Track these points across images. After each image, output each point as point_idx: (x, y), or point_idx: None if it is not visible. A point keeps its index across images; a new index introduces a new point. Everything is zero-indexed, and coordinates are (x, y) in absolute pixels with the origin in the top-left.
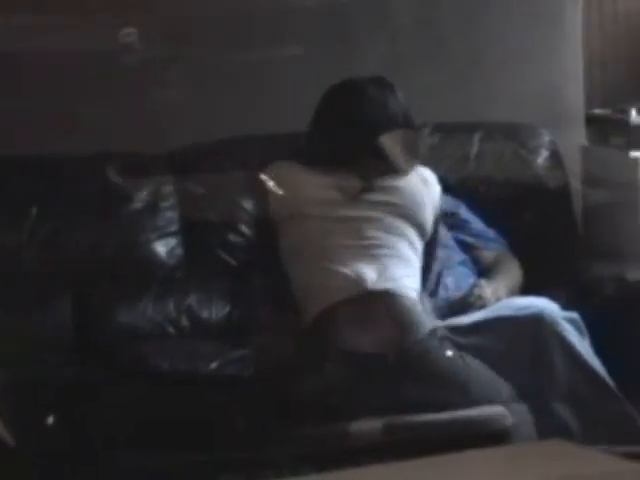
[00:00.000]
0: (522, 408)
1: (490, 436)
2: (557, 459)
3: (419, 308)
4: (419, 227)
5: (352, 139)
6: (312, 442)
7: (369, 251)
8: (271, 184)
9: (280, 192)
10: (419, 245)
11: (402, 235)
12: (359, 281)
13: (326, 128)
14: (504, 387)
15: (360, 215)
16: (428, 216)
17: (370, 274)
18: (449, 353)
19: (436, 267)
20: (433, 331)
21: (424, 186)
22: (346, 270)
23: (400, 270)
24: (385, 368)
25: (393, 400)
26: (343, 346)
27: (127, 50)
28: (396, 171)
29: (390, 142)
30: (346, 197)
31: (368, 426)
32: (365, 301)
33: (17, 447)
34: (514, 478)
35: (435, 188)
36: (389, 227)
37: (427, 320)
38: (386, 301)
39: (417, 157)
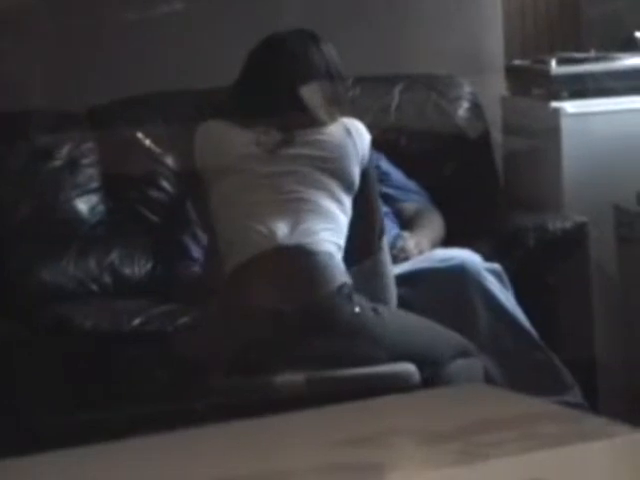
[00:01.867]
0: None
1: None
2: (477, 402)
3: (331, 262)
4: (344, 180)
5: (271, 92)
6: (232, 395)
7: (285, 205)
8: (198, 142)
9: (205, 150)
10: (345, 198)
11: (324, 189)
12: (271, 236)
13: (247, 83)
14: (444, 340)
15: (280, 170)
16: (353, 168)
17: (283, 229)
18: (357, 309)
19: (377, 216)
20: (340, 286)
21: (349, 137)
22: (260, 226)
23: (318, 224)
24: (293, 323)
25: (304, 355)
26: (254, 301)
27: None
28: (317, 123)
29: (310, 93)
30: (266, 151)
31: (281, 380)
32: (275, 256)
33: None
34: (434, 420)
35: (362, 139)
36: (310, 181)
37: (338, 275)
38: (295, 256)
39: (339, 108)
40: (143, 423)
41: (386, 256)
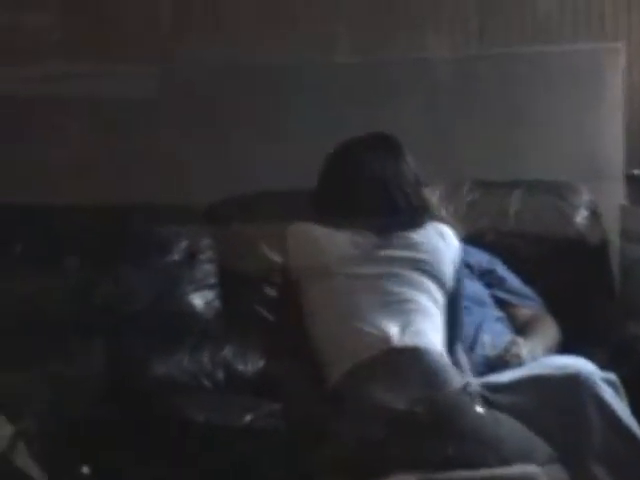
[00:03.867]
0: (559, 469)
1: None
2: None
3: (446, 362)
4: (439, 281)
5: (365, 195)
6: None
7: (392, 306)
8: (290, 243)
9: (298, 251)
10: (441, 299)
11: (424, 290)
12: (384, 338)
13: (336, 185)
14: (540, 447)
15: (380, 271)
16: (447, 270)
17: (394, 330)
18: (479, 409)
19: (460, 320)
20: (462, 386)
21: (442, 240)
22: (370, 328)
23: (424, 324)
24: (414, 424)
25: (424, 456)
26: (370, 402)
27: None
28: (411, 226)
29: (403, 197)
30: (364, 253)
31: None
32: (391, 358)
33: None
34: None
35: (453, 242)
36: (411, 282)
37: (455, 375)
38: (412, 357)
39: (432, 212)
40: None
41: (463, 360)
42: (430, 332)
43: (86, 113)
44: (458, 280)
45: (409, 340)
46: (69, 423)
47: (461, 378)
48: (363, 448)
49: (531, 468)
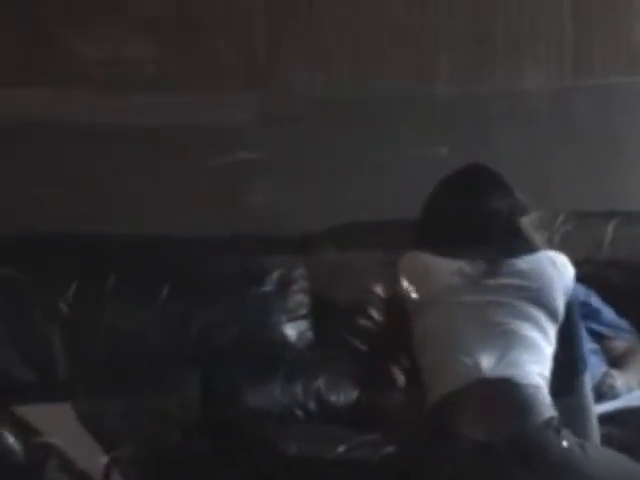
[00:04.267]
0: None
1: None
2: None
3: (538, 396)
4: (549, 310)
5: (475, 224)
6: None
7: (491, 337)
8: (403, 272)
9: (410, 280)
10: (550, 329)
11: (529, 319)
12: (476, 368)
13: (445, 217)
14: None
15: (484, 300)
16: (558, 299)
17: (489, 361)
18: (564, 444)
19: (578, 350)
20: (549, 420)
21: (554, 268)
22: (465, 357)
23: (524, 356)
24: (498, 456)
25: None
26: (458, 433)
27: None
28: (521, 254)
29: (514, 225)
30: (470, 282)
31: None
32: (480, 389)
33: None
34: None
35: (567, 271)
36: (514, 311)
37: (545, 408)
38: (501, 389)
39: (541, 240)
40: None
41: (588, 391)
42: (529, 364)
43: (187, 142)
44: (572, 308)
45: (502, 371)
46: (162, 454)
47: (553, 411)
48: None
49: None
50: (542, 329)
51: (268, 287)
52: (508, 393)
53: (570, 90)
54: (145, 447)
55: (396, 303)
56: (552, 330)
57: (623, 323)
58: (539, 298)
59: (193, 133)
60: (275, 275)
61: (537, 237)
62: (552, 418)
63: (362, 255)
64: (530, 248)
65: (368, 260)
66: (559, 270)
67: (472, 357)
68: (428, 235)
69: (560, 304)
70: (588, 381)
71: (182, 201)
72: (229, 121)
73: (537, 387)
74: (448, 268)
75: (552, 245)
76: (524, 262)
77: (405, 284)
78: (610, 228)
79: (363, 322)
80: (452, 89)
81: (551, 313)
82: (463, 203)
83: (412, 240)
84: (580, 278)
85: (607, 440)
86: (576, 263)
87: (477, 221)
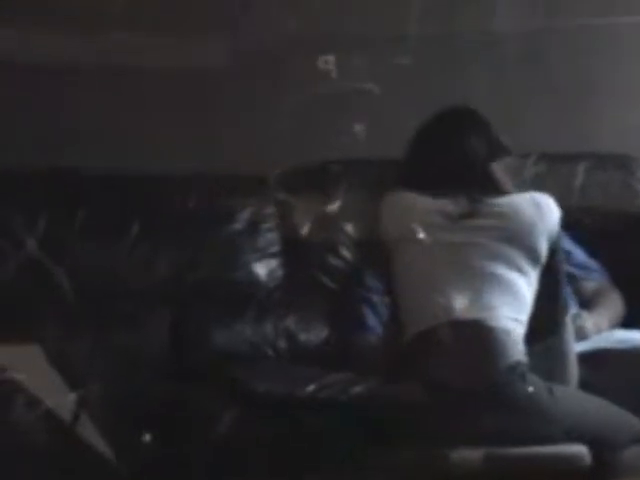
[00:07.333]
0: None
1: (570, 474)
2: None
3: (509, 340)
4: (529, 252)
5: (459, 165)
6: (407, 468)
7: (467, 278)
8: (385, 210)
9: (391, 218)
10: (531, 271)
11: (507, 261)
12: (449, 309)
13: (430, 157)
14: (627, 424)
15: (463, 241)
16: (541, 241)
17: (462, 302)
18: (530, 388)
19: (559, 295)
20: (515, 365)
21: (537, 210)
22: (439, 297)
23: (498, 299)
24: (465, 398)
25: (475, 431)
26: (428, 374)
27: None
28: (504, 195)
29: (496, 168)
30: (450, 222)
31: (458, 455)
32: (451, 330)
33: (116, 460)
34: None
35: (551, 213)
36: (494, 253)
37: (512, 353)
38: (471, 331)
39: (523, 182)
40: None
41: (570, 335)
42: (503, 307)
43: (154, 83)
44: (556, 252)
45: (474, 313)
46: (131, 392)
47: (521, 356)
48: (424, 420)
49: (576, 448)
50: (521, 271)
51: (238, 225)
52: (477, 336)
53: (542, 32)
54: (114, 387)
55: (375, 241)
56: (533, 272)
57: (593, 264)
58: (518, 239)
59: (162, 73)
60: (245, 214)
61: (515, 179)
62: (518, 363)
63: (333, 194)
64: (511, 189)
65: (340, 199)
66: (542, 212)
67: (445, 297)
68: (412, 174)
69: (542, 246)
70: (569, 324)
71: (151, 139)
72: (197, 61)
73: (507, 331)
74: (430, 207)
75: (523, 187)
76: (504, 203)
77: (387, 221)
78: (581, 170)
79: (334, 261)
80: (423, 29)
81: (532, 255)
82: (446, 143)
83: (397, 179)
84: None
85: (578, 381)
86: None
87: (459, 161)
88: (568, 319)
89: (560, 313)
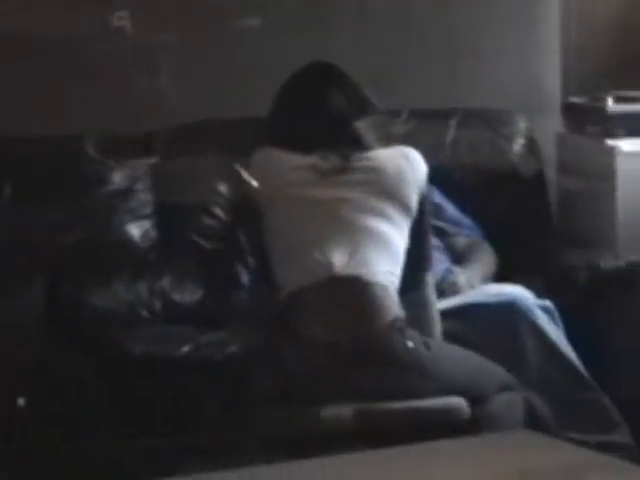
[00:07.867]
0: (514, 396)
1: (449, 427)
2: (522, 450)
3: (387, 296)
4: (401, 204)
5: (326, 121)
6: (278, 426)
7: (342, 233)
8: (254, 168)
9: (260, 177)
10: (404, 224)
11: (382, 214)
12: (327, 265)
13: (297, 114)
14: (493, 375)
15: (336, 196)
16: (411, 193)
17: (340, 258)
18: (410, 343)
19: (425, 247)
20: (394, 320)
21: (407, 162)
22: (317, 254)
23: (374, 253)
24: (344, 355)
25: (354, 387)
26: (306, 331)
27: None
28: (371, 150)
29: (364, 124)
30: (322, 177)
31: (329, 412)
32: (330, 286)
33: None
34: (478, 469)
35: (420, 166)
36: (367, 207)
37: (392, 308)
38: (350, 287)
39: (391, 138)
40: (187, 453)
41: (431, 289)
42: (379, 261)
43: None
44: (424, 205)
45: (352, 269)
46: (7, 358)
47: (398, 311)
48: (299, 378)
49: (455, 400)
50: (395, 223)
51: (111, 186)
52: (356, 292)
53: None
54: None
55: (245, 200)
56: (406, 225)
57: (465, 220)
58: (389, 191)
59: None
60: (118, 174)
61: (384, 135)
62: (397, 319)
63: (207, 153)
64: (379, 145)
65: (213, 159)
66: (412, 165)
67: (323, 253)
68: (279, 132)
69: (413, 199)
70: (431, 281)
71: (23, 99)
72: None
73: (385, 286)
74: (300, 163)
75: (394, 144)
76: (374, 157)
77: (256, 180)
78: (451, 126)
79: (208, 221)
80: None
81: (404, 207)
82: (307, 100)
83: (263, 136)
84: None
85: (450, 336)
86: None
87: (322, 117)
88: (430, 275)
89: (425, 266)
